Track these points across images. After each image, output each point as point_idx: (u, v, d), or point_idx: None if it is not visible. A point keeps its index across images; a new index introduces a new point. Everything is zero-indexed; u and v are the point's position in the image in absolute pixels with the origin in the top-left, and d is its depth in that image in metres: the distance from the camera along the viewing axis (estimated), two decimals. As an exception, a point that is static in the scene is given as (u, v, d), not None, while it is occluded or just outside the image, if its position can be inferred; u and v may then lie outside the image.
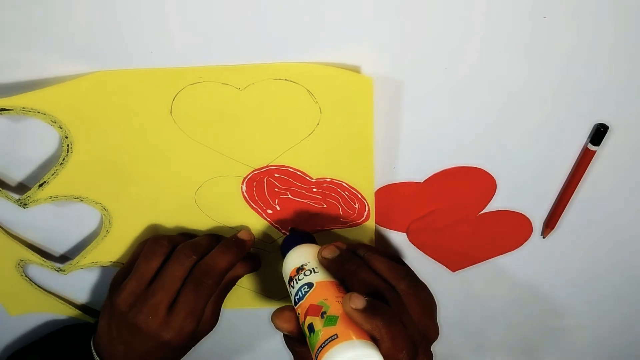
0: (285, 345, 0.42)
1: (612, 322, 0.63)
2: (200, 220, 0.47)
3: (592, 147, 0.43)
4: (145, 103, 0.39)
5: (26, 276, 0.50)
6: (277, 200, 0.46)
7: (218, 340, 0.57)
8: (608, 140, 0.43)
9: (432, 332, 0.40)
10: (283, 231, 0.48)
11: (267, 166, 0.43)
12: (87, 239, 0.49)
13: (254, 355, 0.65)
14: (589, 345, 0.66)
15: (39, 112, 0.38)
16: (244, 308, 0.56)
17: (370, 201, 0.45)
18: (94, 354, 0.46)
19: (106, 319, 0.45)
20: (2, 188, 0.43)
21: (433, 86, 0.39)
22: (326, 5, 0.34)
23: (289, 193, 0.45)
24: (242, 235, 0.46)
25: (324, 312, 0.37)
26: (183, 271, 0.43)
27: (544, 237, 0.51)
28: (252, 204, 0.46)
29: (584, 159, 0.44)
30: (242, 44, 0.36)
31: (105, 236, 0.47)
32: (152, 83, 0.38)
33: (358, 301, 0.36)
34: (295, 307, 0.40)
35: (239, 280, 0.48)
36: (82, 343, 0.47)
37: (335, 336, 0.36)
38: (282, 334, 0.42)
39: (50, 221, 0.47)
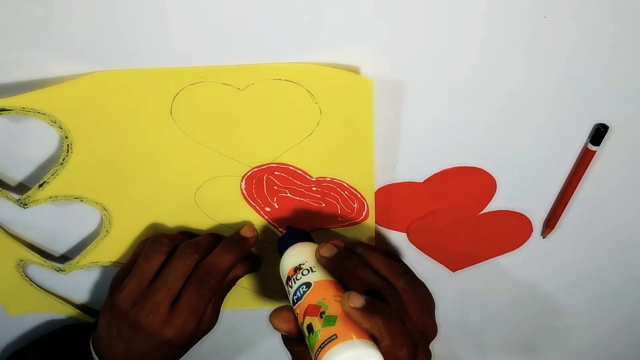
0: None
1: (612, 322, 0.63)
2: (200, 220, 0.47)
3: (592, 147, 0.43)
4: (145, 103, 0.39)
5: (26, 276, 0.50)
6: (275, 198, 0.46)
7: (218, 340, 0.57)
8: (608, 140, 0.43)
9: (430, 329, 0.40)
10: (280, 229, 0.48)
11: (268, 164, 0.43)
12: (87, 239, 0.49)
13: (254, 355, 0.65)
14: (589, 345, 0.66)
15: (39, 112, 0.38)
16: (243, 308, 0.56)
17: (370, 201, 0.45)
18: (93, 354, 0.46)
19: (106, 318, 0.45)
20: (2, 188, 0.43)
21: (433, 86, 0.39)
22: (326, 5, 0.34)
23: (288, 191, 0.45)
24: (244, 232, 0.45)
25: (323, 312, 0.37)
26: (185, 270, 0.43)
27: (544, 237, 0.51)
28: (251, 201, 0.46)
29: (584, 159, 0.44)
30: (242, 44, 0.36)
31: (105, 236, 0.47)
32: (152, 83, 0.38)
33: (357, 300, 0.36)
34: (294, 307, 0.40)
35: (239, 280, 0.48)
36: (82, 343, 0.47)
37: (334, 336, 0.35)
38: (280, 333, 0.42)
39: (50, 221, 0.47)
